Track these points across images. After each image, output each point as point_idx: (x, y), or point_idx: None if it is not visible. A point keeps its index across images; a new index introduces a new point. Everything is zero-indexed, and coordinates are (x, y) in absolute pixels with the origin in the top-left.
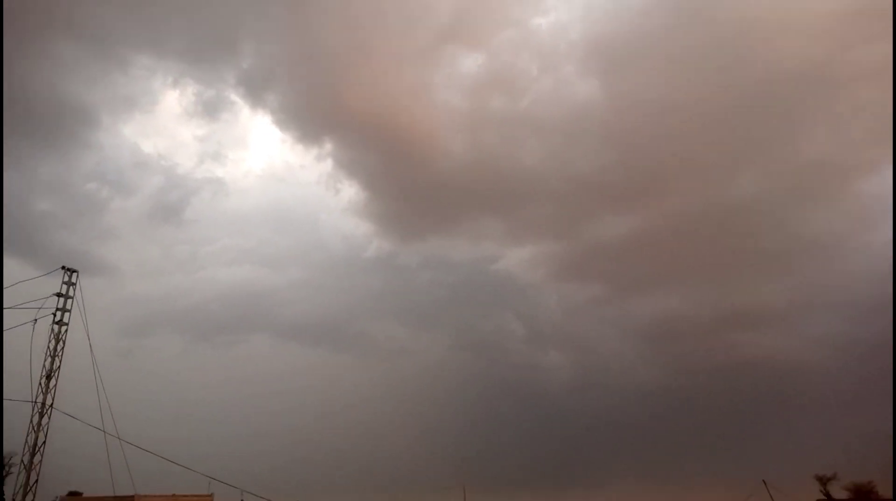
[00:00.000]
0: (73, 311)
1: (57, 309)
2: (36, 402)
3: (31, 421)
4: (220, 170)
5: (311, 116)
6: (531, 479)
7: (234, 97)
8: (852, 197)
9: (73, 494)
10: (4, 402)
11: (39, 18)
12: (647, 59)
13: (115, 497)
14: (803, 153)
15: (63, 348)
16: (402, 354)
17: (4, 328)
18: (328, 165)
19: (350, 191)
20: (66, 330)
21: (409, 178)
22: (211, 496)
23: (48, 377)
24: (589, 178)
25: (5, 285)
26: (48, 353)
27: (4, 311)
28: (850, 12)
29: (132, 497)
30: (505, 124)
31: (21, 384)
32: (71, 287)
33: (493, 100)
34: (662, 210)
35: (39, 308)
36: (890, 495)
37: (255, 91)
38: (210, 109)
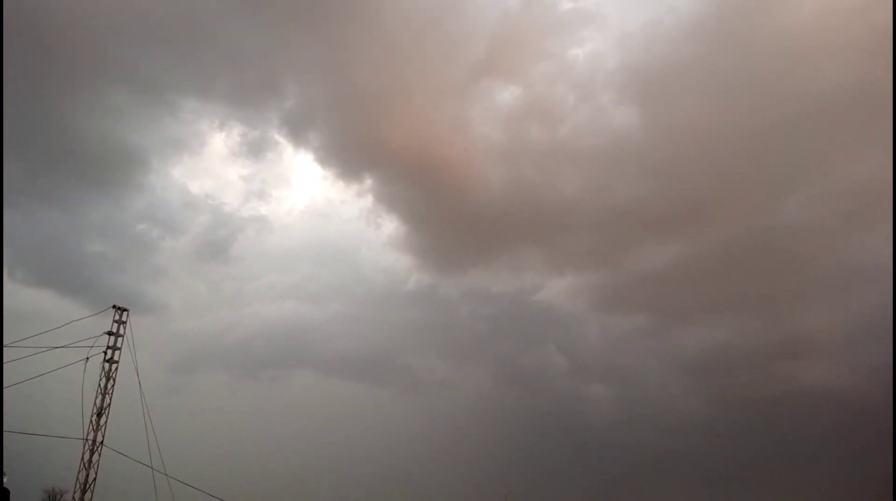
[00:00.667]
0: (123, 349)
1: (108, 347)
2: (87, 439)
3: (83, 459)
4: (265, 208)
5: (351, 153)
6: None
7: (278, 137)
8: None
9: None
10: (57, 440)
11: (95, 68)
12: (684, 85)
13: None
14: (852, 176)
15: (113, 385)
16: (443, 387)
17: (58, 366)
18: (368, 200)
19: (390, 225)
20: (117, 368)
21: (448, 211)
22: None
23: (99, 415)
24: (629, 206)
25: (58, 324)
26: (99, 390)
27: (58, 350)
28: (889, 29)
29: None
30: (542, 155)
31: (73, 422)
32: (121, 326)
33: (530, 131)
34: (707, 238)
35: (91, 347)
36: None
37: (297, 131)
38: (255, 149)
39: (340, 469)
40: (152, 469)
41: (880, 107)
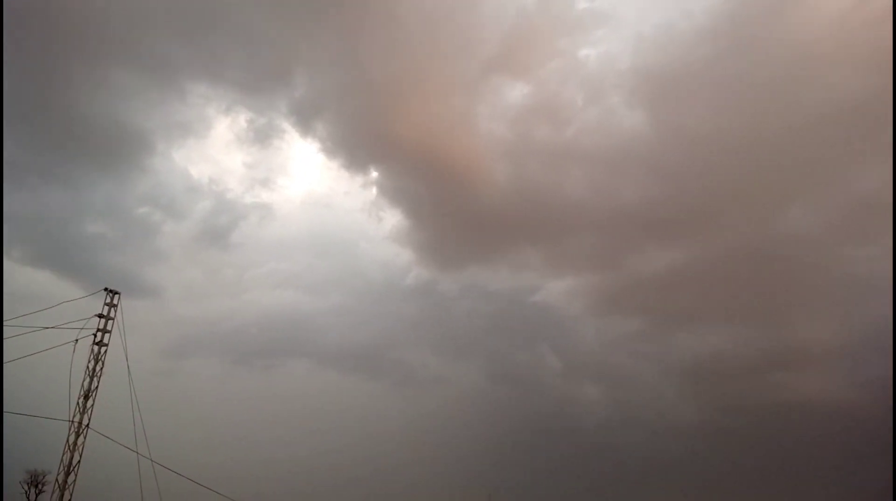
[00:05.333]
0: (113, 332)
1: (98, 330)
2: (73, 421)
3: (67, 441)
4: (268, 195)
5: (358, 145)
6: None
7: (286, 125)
8: None
9: None
10: (44, 421)
11: (104, 47)
12: (694, 89)
13: None
14: (855, 187)
15: (102, 368)
16: (436, 383)
17: (46, 347)
18: (372, 192)
19: (392, 219)
20: (106, 351)
21: (451, 207)
22: None
23: (86, 397)
24: (633, 210)
25: (49, 305)
26: (87, 373)
27: (49, 331)
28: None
29: None
30: (549, 154)
31: (59, 404)
32: (112, 309)
33: (537, 130)
34: (709, 244)
35: (81, 329)
36: None
37: (305, 120)
38: (261, 137)
39: (329, 458)
40: (137, 453)
41: (885, 119)
